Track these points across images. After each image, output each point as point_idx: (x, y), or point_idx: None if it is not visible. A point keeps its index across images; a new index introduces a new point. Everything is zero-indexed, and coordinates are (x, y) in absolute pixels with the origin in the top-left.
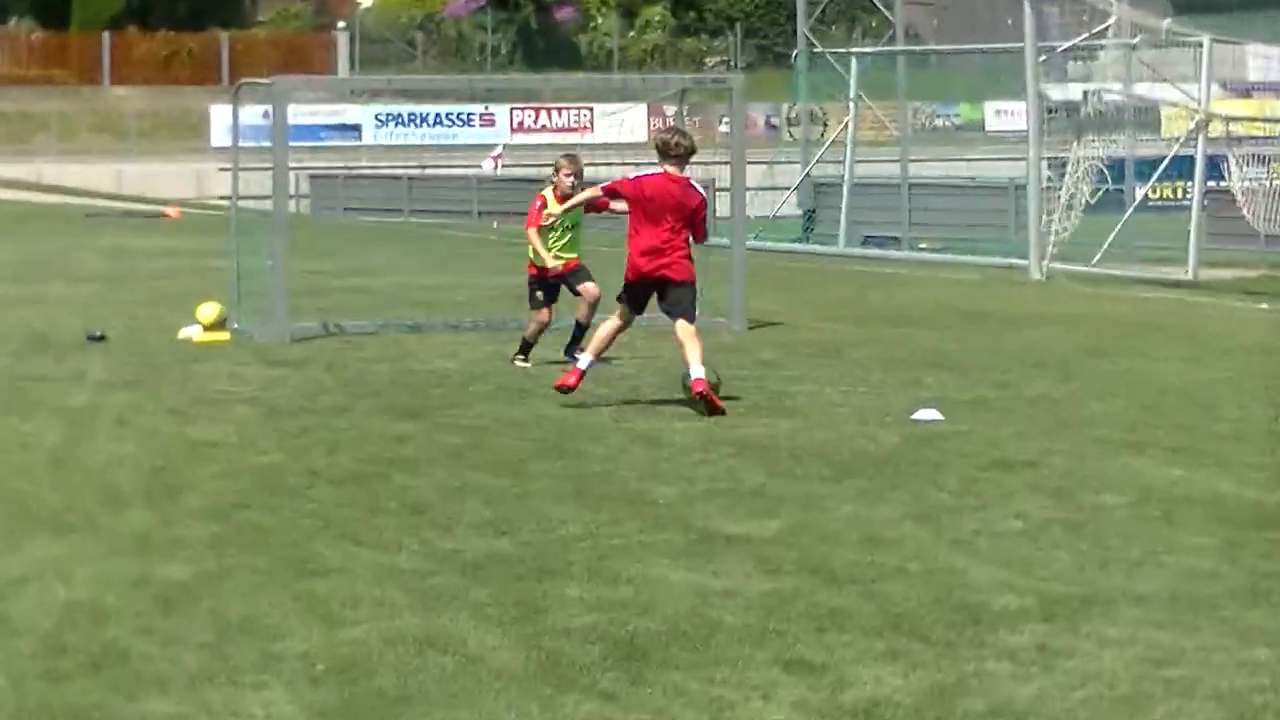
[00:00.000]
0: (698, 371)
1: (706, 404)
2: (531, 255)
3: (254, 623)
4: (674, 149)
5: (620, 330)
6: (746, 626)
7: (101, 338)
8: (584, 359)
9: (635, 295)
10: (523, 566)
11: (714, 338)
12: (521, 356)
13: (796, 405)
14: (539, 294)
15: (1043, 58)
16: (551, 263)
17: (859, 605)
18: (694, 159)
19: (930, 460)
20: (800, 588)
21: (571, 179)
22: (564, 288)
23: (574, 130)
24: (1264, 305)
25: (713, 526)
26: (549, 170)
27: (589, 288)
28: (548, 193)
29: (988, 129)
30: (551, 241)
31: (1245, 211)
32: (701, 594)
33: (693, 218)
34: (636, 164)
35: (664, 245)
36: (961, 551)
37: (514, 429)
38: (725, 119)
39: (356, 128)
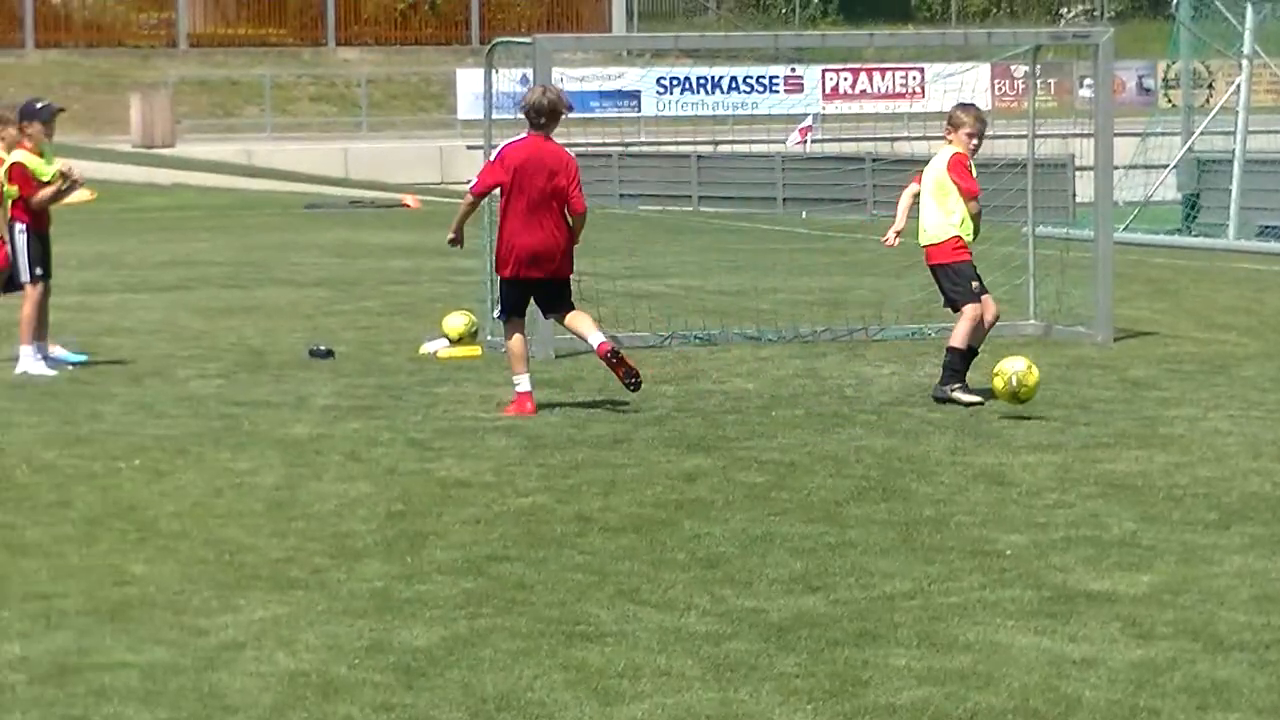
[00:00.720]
0: (598, 337)
1: (619, 369)
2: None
3: (514, 698)
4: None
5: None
6: (1111, 703)
7: (328, 354)
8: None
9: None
10: (838, 630)
11: (1075, 350)
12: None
13: (1174, 435)
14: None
15: None
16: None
17: (1249, 677)
18: (1048, 131)
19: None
20: (1177, 656)
21: (975, 141)
22: None
23: (901, 96)
24: None
25: (1070, 582)
26: (869, 146)
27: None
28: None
29: None
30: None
31: None
32: (1055, 663)
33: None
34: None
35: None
36: None
37: (827, 464)
38: (1088, 81)
39: (635, 95)
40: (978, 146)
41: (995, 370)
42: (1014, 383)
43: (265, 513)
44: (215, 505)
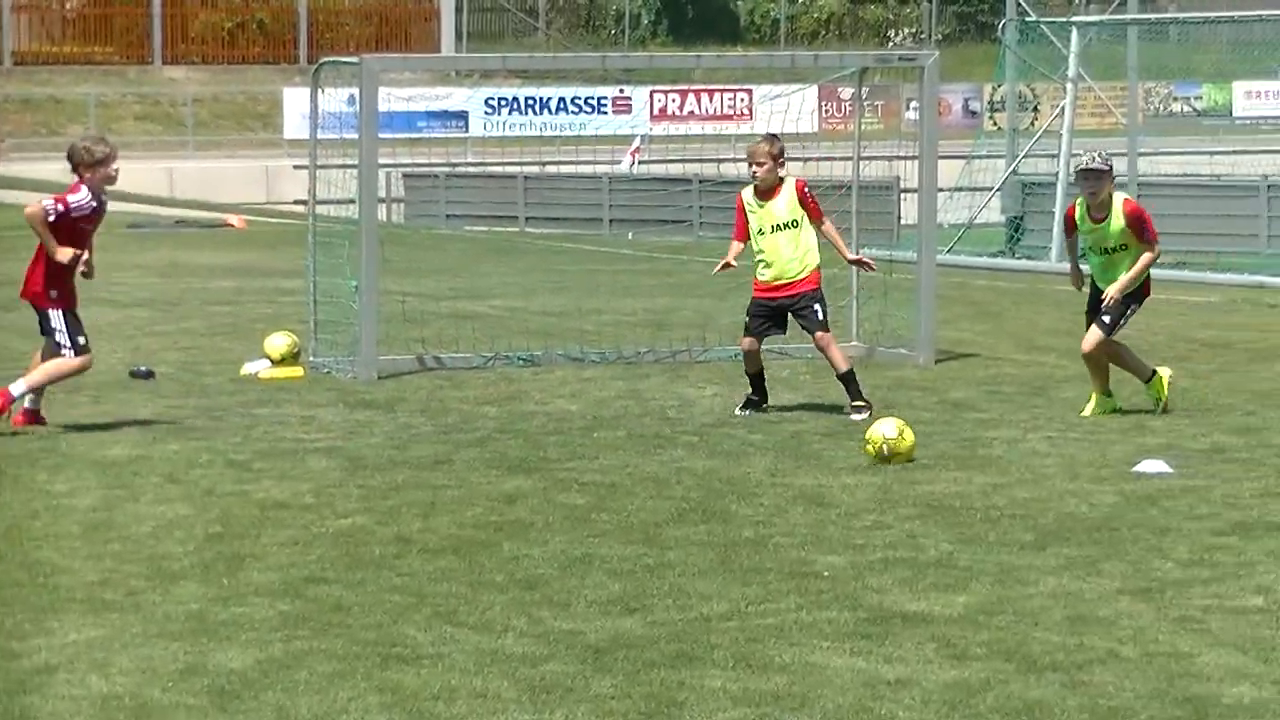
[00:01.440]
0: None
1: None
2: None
3: None
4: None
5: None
6: None
7: (149, 375)
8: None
9: None
10: (655, 651)
11: (896, 372)
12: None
13: (993, 456)
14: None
15: None
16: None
17: (1061, 698)
18: (874, 153)
19: (1155, 523)
20: (991, 677)
21: (761, 167)
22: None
23: (729, 118)
24: None
25: (887, 603)
26: (695, 168)
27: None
28: (747, 194)
29: (1236, 115)
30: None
31: None
32: (870, 684)
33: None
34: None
35: None
36: (1188, 633)
37: (648, 486)
38: (913, 104)
39: (462, 116)
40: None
41: (866, 437)
42: (885, 450)
43: (81, 535)
44: (31, 527)
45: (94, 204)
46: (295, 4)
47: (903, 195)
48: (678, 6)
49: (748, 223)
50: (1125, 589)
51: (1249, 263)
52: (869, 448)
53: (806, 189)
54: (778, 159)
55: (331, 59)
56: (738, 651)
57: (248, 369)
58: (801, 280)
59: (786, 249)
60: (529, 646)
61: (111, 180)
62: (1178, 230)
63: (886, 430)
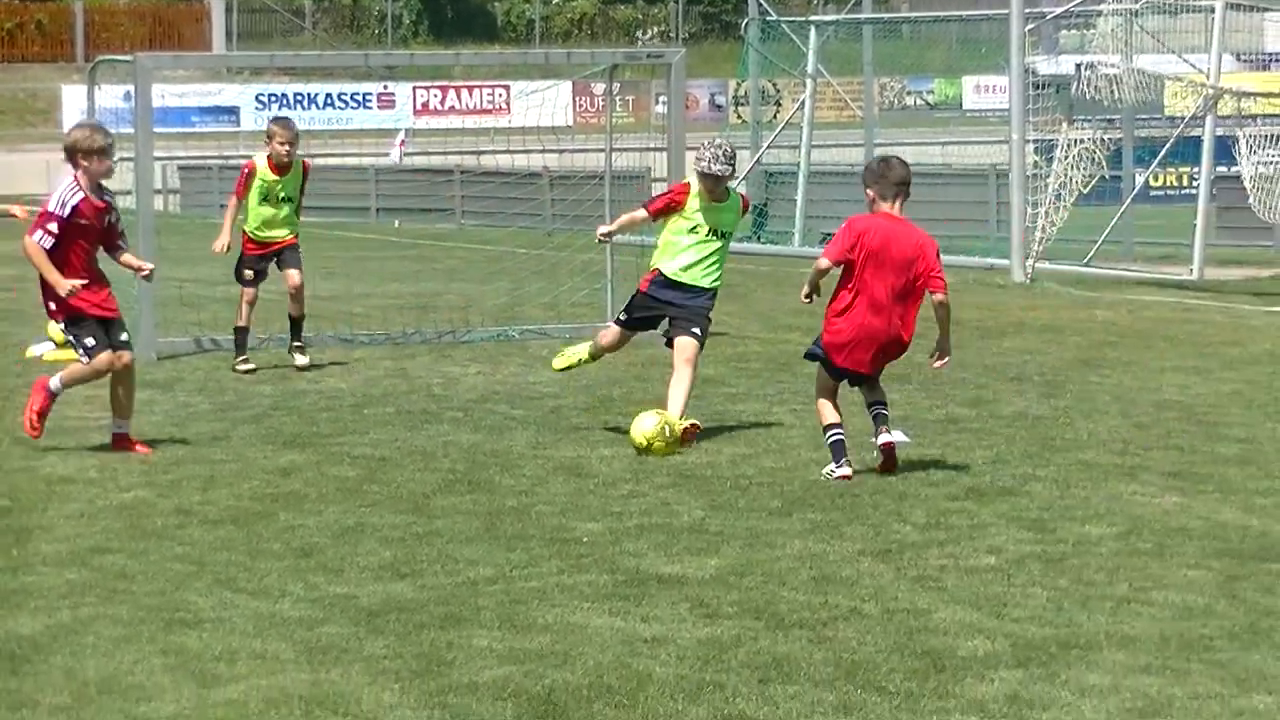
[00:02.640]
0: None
1: None
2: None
3: (116, 682)
4: None
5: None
6: (679, 678)
7: None
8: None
9: None
10: (425, 614)
11: (647, 351)
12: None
13: (741, 428)
14: (248, 272)
15: (1030, 26)
16: (220, 242)
17: (808, 653)
18: (625, 145)
19: (893, 489)
20: (741, 634)
21: (287, 148)
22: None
23: (487, 112)
24: (1276, 309)
25: (643, 567)
26: (456, 159)
27: (291, 275)
28: (260, 159)
29: (965, 108)
30: (268, 217)
31: (1252, 200)
32: (628, 642)
33: None
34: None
35: None
36: (926, 591)
37: (416, 459)
38: (662, 98)
39: (234, 111)
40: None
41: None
42: (649, 444)
43: None
44: None
45: (85, 195)
46: (71, 5)
47: (653, 184)
48: (437, 7)
49: (672, 209)
50: (866, 550)
51: (979, 246)
52: (640, 441)
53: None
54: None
55: (107, 57)
56: (503, 613)
57: (32, 351)
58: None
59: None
60: (305, 610)
61: (109, 174)
62: (915, 216)
63: (647, 427)
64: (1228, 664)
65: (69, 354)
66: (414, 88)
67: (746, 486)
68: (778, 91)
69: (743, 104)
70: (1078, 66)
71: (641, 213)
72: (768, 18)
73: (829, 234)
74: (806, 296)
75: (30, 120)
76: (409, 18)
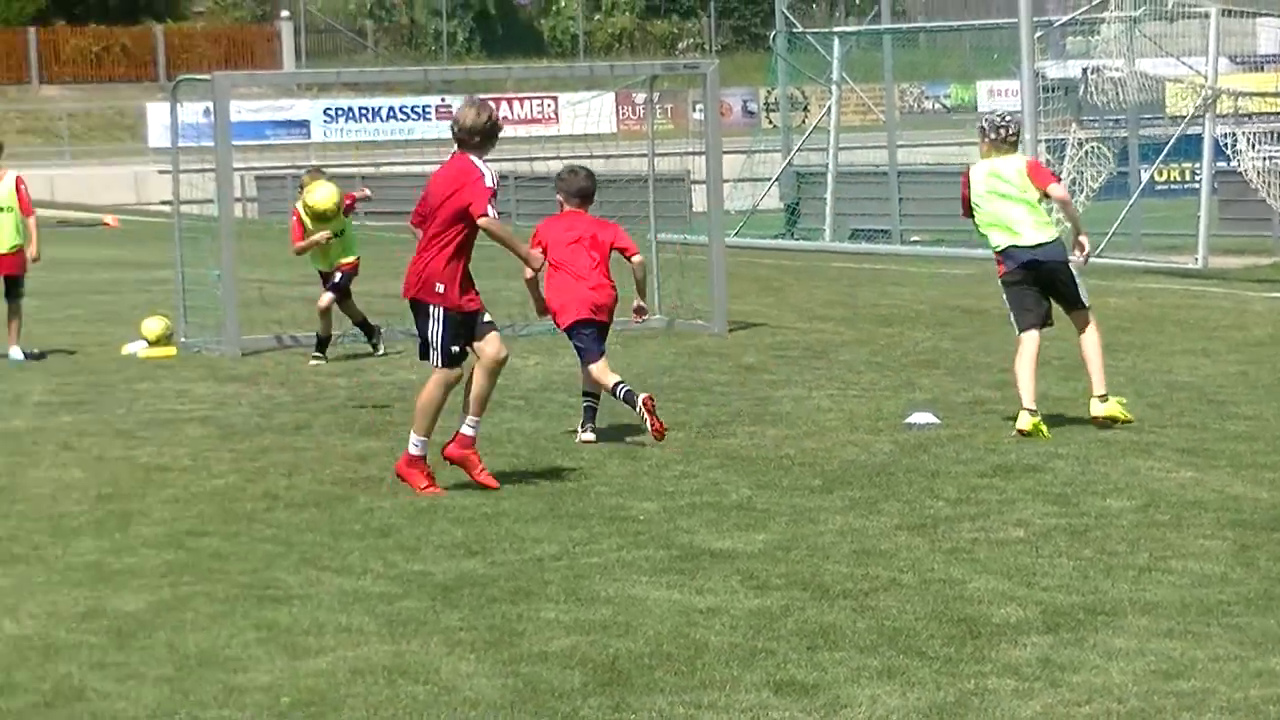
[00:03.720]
0: None
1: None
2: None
3: (214, 655)
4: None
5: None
6: (733, 646)
7: (40, 356)
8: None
9: None
10: (496, 588)
11: (693, 341)
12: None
13: (782, 412)
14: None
15: (1039, 33)
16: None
17: (852, 621)
18: (666, 150)
19: (926, 467)
20: (789, 604)
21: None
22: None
23: (537, 121)
24: (1277, 295)
25: (696, 542)
26: (510, 166)
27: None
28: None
29: (980, 110)
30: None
31: (1264, 193)
32: (685, 613)
33: None
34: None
35: None
36: (959, 562)
37: (484, 444)
38: (699, 106)
39: (304, 124)
40: None
41: None
42: None
43: None
44: None
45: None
46: (153, 29)
47: (693, 186)
48: (489, 25)
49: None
50: (903, 525)
51: None
52: None
53: None
54: None
55: (188, 76)
56: (568, 587)
57: (128, 350)
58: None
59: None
60: (385, 586)
61: None
62: (935, 212)
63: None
64: (1245, 628)
65: (160, 351)
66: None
67: (789, 466)
68: (805, 98)
69: (773, 110)
70: (1084, 70)
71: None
72: (794, 30)
73: (858, 230)
74: None
75: (117, 136)
76: (463, 35)
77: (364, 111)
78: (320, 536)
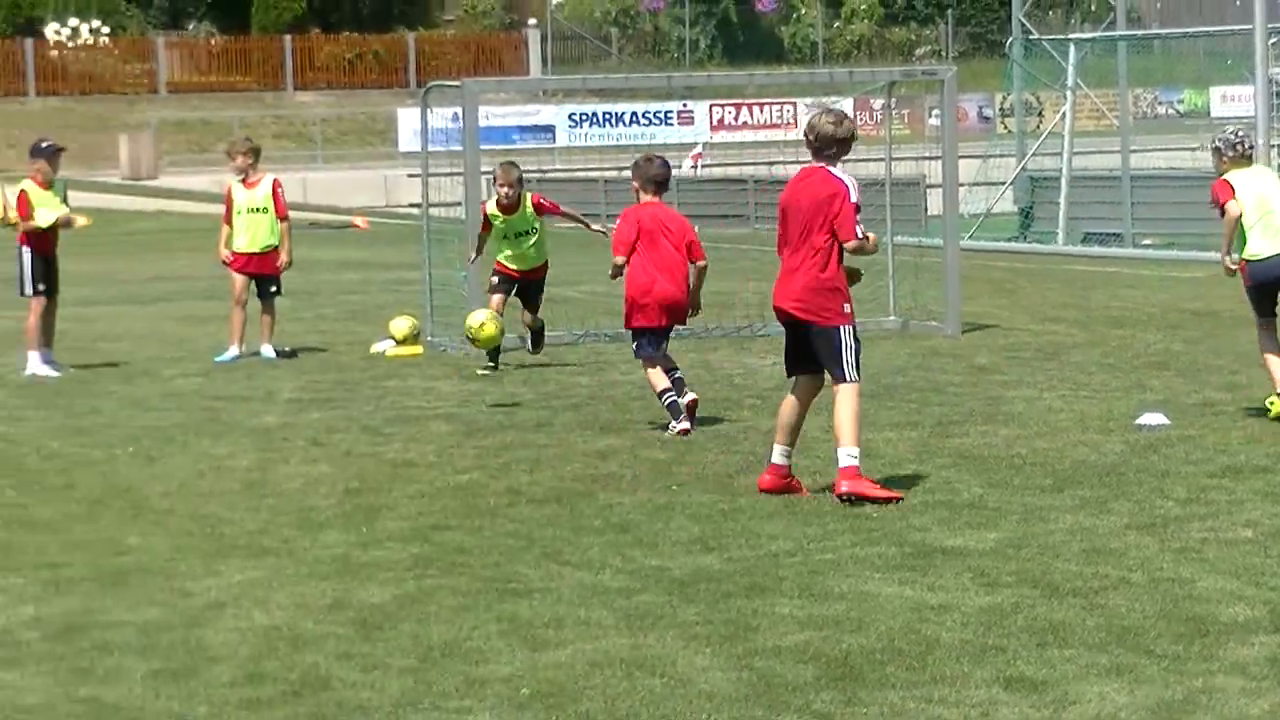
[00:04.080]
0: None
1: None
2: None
3: (456, 646)
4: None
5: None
6: (964, 642)
7: (291, 354)
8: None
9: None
10: (731, 584)
11: (928, 342)
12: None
13: (1014, 412)
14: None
15: (1273, 40)
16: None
17: (1081, 619)
18: (902, 154)
19: (1156, 468)
20: (1020, 601)
21: (506, 189)
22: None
23: (776, 126)
24: None
25: (928, 540)
26: (750, 170)
27: (524, 315)
28: (490, 204)
29: (1213, 115)
30: (512, 252)
31: None
32: (917, 609)
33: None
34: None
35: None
36: (1189, 561)
37: (720, 442)
38: (935, 111)
39: (550, 129)
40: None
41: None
42: (468, 334)
43: (241, 491)
44: (198, 485)
45: None
46: (405, 37)
47: (928, 190)
48: (730, 32)
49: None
50: (1132, 525)
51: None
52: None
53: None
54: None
55: (438, 83)
56: (802, 583)
57: (376, 348)
58: None
59: None
60: (624, 581)
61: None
62: (1167, 216)
63: (472, 320)
64: None
65: (407, 350)
66: (710, 105)
67: (1020, 466)
68: (1040, 104)
69: (1008, 115)
70: None
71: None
72: (1030, 37)
73: (1090, 233)
74: None
75: (370, 140)
76: (705, 42)
77: (608, 117)
78: (561, 531)
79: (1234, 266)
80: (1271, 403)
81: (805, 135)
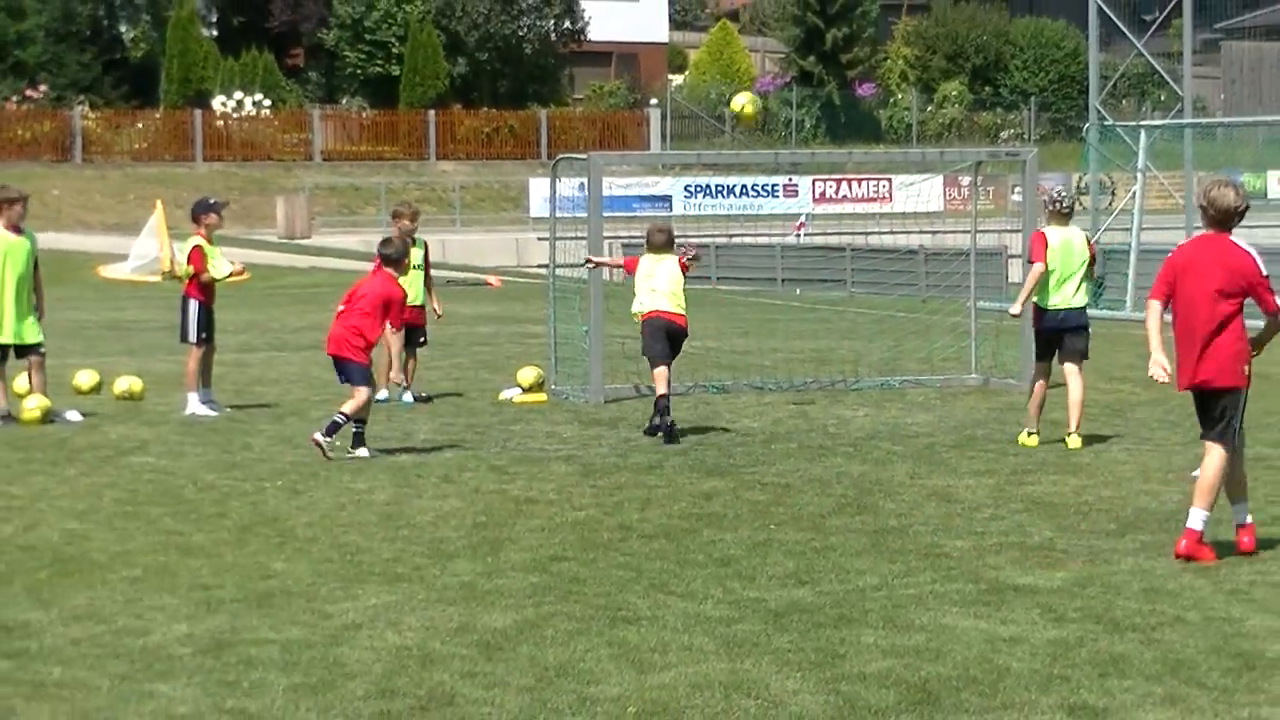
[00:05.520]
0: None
1: None
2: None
3: (571, 668)
4: None
5: None
6: (1033, 672)
7: (427, 399)
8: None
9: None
10: (822, 615)
11: (1006, 398)
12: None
13: (1083, 463)
14: None
15: None
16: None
17: (1140, 652)
18: (987, 228)
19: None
20: (1084, 635)
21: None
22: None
23: (873, 200)
24: None
25: (1002, 577)
26: (848, 239)
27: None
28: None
29: (1269, 197)
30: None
31: None
32: (990, 641)
33: None
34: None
35: None
36: (1239, 602)
37: (814, 485)
38: (1017, 188)
39: (667, 199)
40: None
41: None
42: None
43: (378, 523)
44: (339, 516)
45: None
46: (537, 113)
47: (1010, 259)
48: (833, 114)
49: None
50: (1188, 568)
51: None
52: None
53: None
54: None
55: (566, 155)
56: (886, 615)
57: (504, 395)
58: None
59: None
60: (724, 611)
61: None
62: None
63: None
64: None
65: (533, 397)
66: (813, 180)
67: (1087, 512)
68: (1113, 183)
69: (1084, 194)
70: None
71: None
72: (1105, 122)
73: None
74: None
75: (504, 206)
76: (810, 122)
77: (719, 188)
78: (668, 564)
79: (1016, 313)
80: (1026, 439)
81: (1200, 206)
